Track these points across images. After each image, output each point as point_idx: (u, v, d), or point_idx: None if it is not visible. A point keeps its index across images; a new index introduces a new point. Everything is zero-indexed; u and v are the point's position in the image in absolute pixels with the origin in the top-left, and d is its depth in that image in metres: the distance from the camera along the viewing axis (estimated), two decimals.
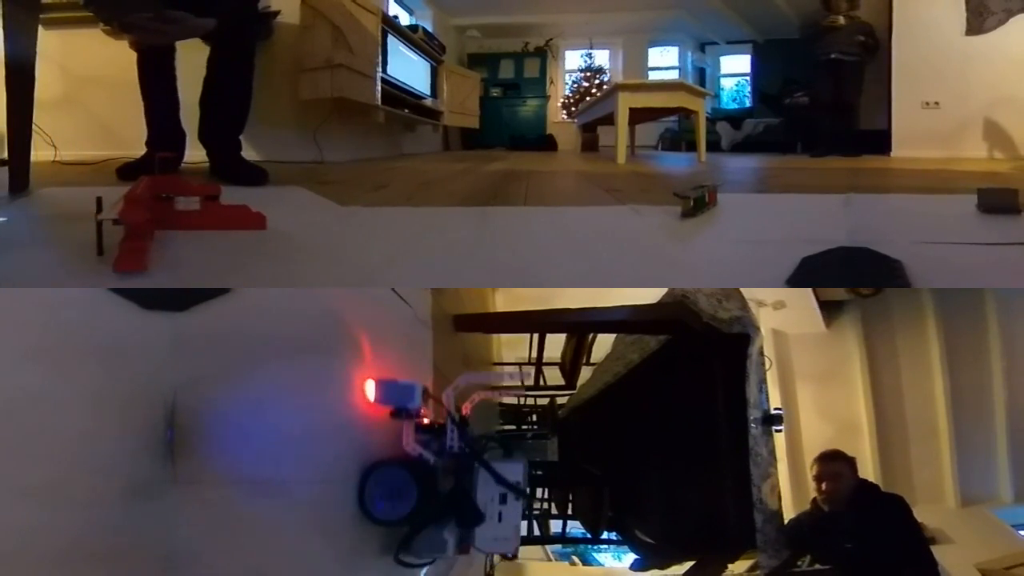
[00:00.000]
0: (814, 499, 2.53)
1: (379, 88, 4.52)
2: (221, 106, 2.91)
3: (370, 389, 1.33)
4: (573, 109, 9.21)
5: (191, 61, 2.99)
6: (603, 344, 3.66)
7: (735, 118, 8.56)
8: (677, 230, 2.10)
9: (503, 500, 1.39)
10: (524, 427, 5.09)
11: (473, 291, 3.56)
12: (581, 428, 3.77)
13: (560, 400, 4.62)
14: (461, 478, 1.39)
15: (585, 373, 3.99)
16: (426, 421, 1.44)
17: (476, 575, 3.25)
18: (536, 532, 3.92)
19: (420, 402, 1.38)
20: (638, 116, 5.35)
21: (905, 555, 2.36)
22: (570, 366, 4.04)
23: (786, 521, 2.44)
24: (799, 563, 2.47)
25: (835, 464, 2.51)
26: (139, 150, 2.93)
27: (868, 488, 2.56)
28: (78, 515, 0.83)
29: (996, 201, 2.23)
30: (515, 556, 1.44)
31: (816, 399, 5.12)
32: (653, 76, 9.15)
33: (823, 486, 2.47)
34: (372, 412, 1.33)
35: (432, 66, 6.29)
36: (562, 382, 4.24)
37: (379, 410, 1.34)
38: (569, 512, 3.83)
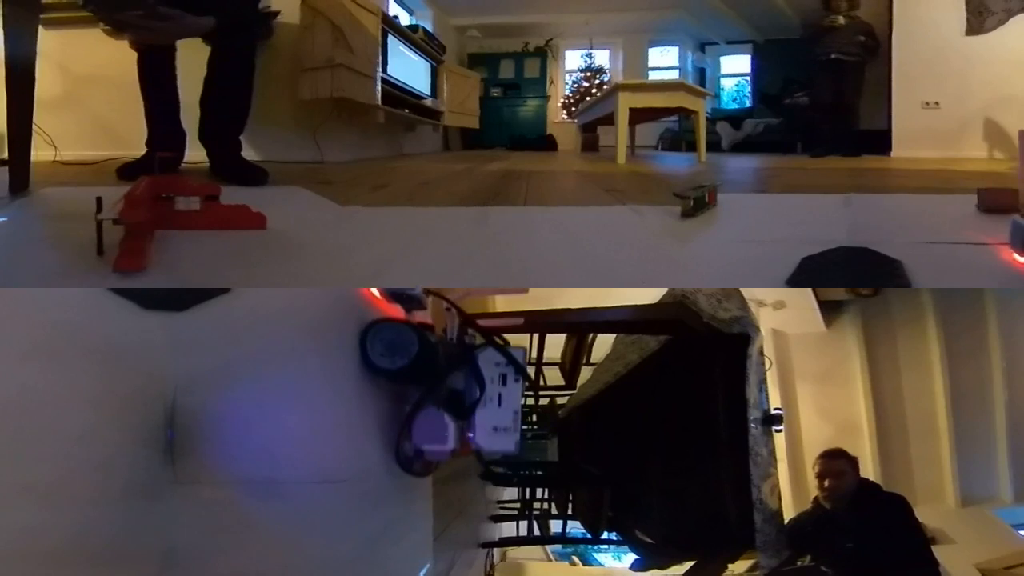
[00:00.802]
0: (815, 498, 2.56)
1: (379, 88, 4.52)
2: (222, 106, 2.91)
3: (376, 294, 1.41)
4: (573, 109, 9.22)
5: (191, 61, 2.99)
6: (603, 344, 3.66)
7: (735, 118, 8.56)
8: (677, 230, 2.10)
9: (503, 381, 1.39)
10: (524, 427, 5.09)
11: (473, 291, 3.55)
12: (581, 428, 3.77)
13: (560, 400, 4.63)
14: (462, 360, 1.40)
15: (585, 373, 3.99)
16: (428, 321, 1.48)
17: (476, 575, 3.25)
18: (536, 532, 3.92)
19: (421, 293, 1.44)
20: (638, 116, 5.35)
21: (906, 555, 2.39)
22: (570, 366, 4.04)
23: (786, 521, 2.46)
24: (800, 561, 2.48)
25: (838, 462, 2.53)
26: (139, 150, 2.93)
27: (870, 487, 2.59)
28: (77, 515, 0.83)
29: (996, 201, 2.23)
30: (516, 453, 1.47)
31: (816, 399, 5.12)
32: (653, 76, 9.15)
33: (825, 484, 2.49)
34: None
35: (432, 66, 6.29)
36: (562, 382, 4.24)
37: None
38: (569, 512, 3.83)
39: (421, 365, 1.30)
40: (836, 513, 2.45)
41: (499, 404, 1.38)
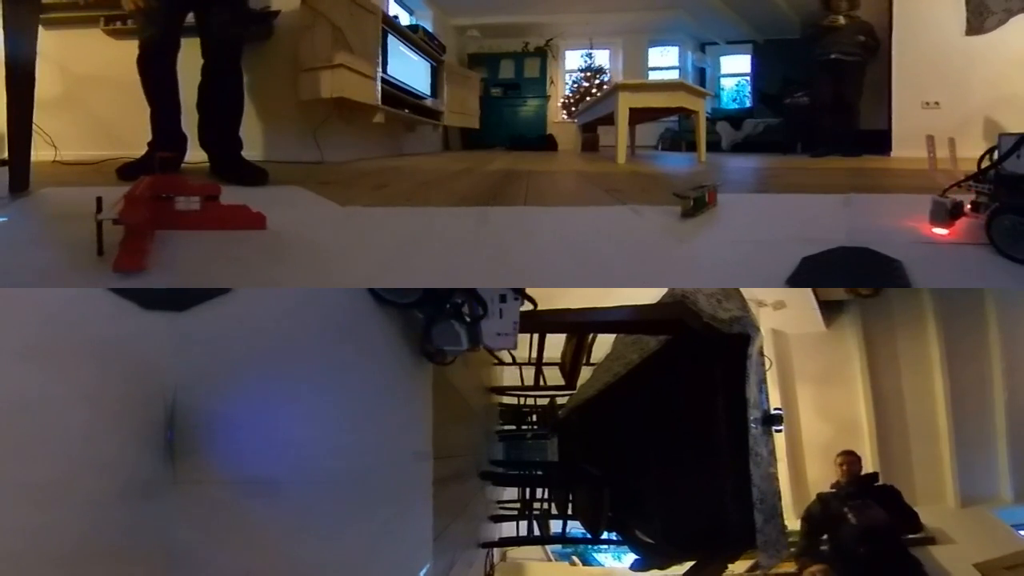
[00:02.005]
0: (836, 481, 4.10)
1: (379, 88, 4.52)
2: (218, 109, 2.96)
3: None
4: (573, 109, 9.21)
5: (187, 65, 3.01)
6: (603, 344, 3.66)
7: (735, 118, 8.55)
8: (677, 230, 2.10)
9: (503, 300, 1.63)
10: (524, 427, 5.09)
11: None
12: (581, 428, 3.77)
13: (560, 400, 4.63)
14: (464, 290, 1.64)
15: (585, 373, 3.99)
16: None
17: (476, 575, 3.25)
18: (536, 532, 3.92)
19: None
20: (638, 116, 5.34)
21: (890, 509, 3.85)
22: (570, 366, 4.04)
23: (801, 514, 4.10)
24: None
25: (852, 456, 4.15)
26: (139, 150, 2.94)
27: (871, 474, 4.20)
28: (77, 515, 0.83)
29: None
30: (514, 347, 1.81)
31: (816, 399, 5.12)
32: (653, 76, 9.14)
33: (844, 468, 4.08)
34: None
35: (432, 66, 6.29)
36: (562, 382, 4.24)
37: None
38: (569, 512, 3.83)
39: (426, 299, 1.58)
40: (847, 484, 4.02)
41: (500, 316, 1.64)
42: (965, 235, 1.84)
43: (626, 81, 6.10)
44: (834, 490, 4.10)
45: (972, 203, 1.85)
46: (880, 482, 4.18)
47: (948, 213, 1.86)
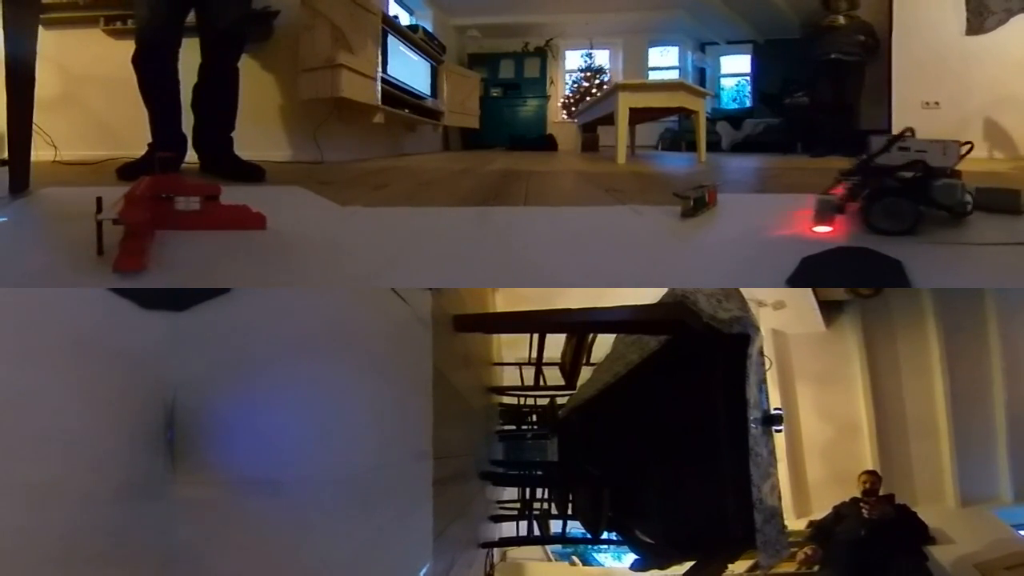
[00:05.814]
0: (855, 498, 4.48)
1: (379, 88, 4.53)
2: (218, 109, 2.98)
3: None
4: (573, 109, 9.21)
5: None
6: (603, 344, 3.65)
7: (735, 118, 8.55)
8: (677, 230, 2.10)
9: None
10: (524, 427, 5.09)
11: (473, 291, 3.55)
12: (581, 428, 3.77)
13: (560, 400, 4.62)
14: None
15: (585, 373, 3.98)
16: None
17: (476, 575, 3.25)
18: (536, 532, 3.92)
19: None
20: (638, 116, 5.34)
21: (902, 523, 4.36)
22: (570, 366, 4.03)
23: (820, 517, 4.58)
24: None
25: (875, 476, 4.54)
26: (139, 150, 2.94)
27: (889, 495, 4.51)
28: (77, 515, 0.83)
29: (996, 201, 2.23)
30: None
31: (816, 399, 5.12)
32: (653, 76, 9.14)
33: (867, 486, 4.46)
34: None
35: (432, 66, 6.30)
36: (562, 382, 4.24)
37: None
38: (569, 512, 3.83)
39: None
40: (865, 497, 4.45)
41: None
42: (846, 229, 1.93)
43: (626, 81, 6.10)
44: (852, 502, 4.53)
45: (847, 193, 2.00)
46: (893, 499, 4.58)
47: (835, 208, 1.94)
